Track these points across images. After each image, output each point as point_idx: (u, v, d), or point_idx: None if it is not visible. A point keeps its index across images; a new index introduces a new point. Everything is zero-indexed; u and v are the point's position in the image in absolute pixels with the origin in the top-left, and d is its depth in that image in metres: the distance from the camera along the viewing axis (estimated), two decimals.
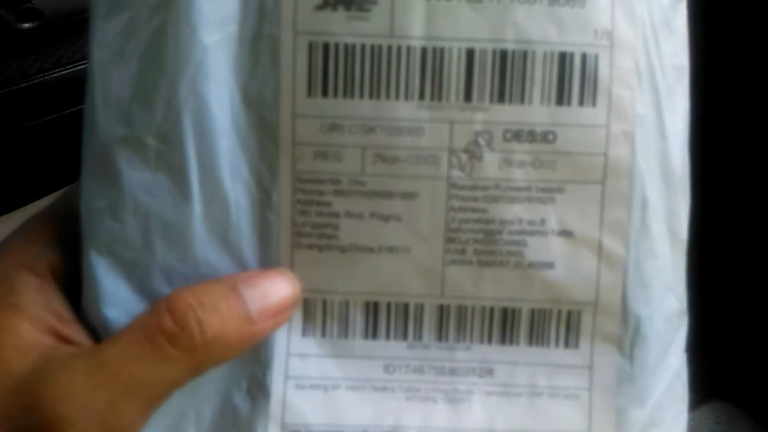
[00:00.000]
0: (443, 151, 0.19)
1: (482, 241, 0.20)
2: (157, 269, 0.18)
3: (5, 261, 0.18)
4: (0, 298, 0.17)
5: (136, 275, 0.18)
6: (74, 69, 0.40)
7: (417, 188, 0.19)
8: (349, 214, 0.19)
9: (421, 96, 0.19)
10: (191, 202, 0.18)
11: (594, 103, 0.19)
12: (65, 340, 0.18)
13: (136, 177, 0.18)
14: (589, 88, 0.19)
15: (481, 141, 0.19)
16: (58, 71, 0.40)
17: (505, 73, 0.19)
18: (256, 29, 0.18)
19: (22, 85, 0.39)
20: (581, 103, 0.19)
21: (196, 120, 0.18)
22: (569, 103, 0.19)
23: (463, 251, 0.20)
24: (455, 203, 0.20)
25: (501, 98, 0.19)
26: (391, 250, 0.20)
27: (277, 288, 0.19)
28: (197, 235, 0.18)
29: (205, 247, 0.19)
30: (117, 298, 0.18)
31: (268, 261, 0.19)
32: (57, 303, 0.18)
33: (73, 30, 0.40)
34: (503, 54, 0.19)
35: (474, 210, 0.20)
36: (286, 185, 0.19)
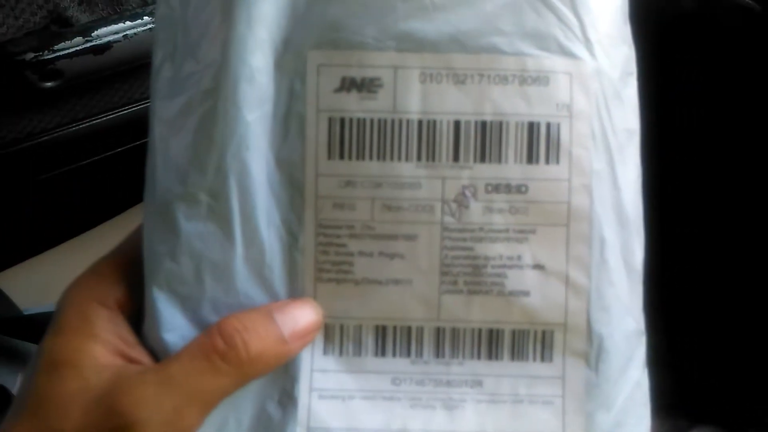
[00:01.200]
0: (437, 201, 0.24)
1: (471, 274, 0.24)
2: (207, 301, 0.23)
3: (80, 295, 0.22)
4: (77, 327, 0.21)
5: (190, 306, 0.23)
6: (89, 124, 0.43)
7: (416, 231, 0.24)
8: (361, 253, 0.24)
9: (419, 158, 0.23)
10: (234, 246, 0.23)
11: (558, 161, 0.24)
12: (132, 360, 0.22)
13: (191, 227, 0.22)
14: (553, 149, 0.24)
15: (468, 193, 0.24)
16: (75, 126, 0.43)
17: (486, 138, 0.23)
18: (287, 108, 0.23)
19: (43, 138, 0.42)
20: (547, 161, 0.24)
21: (239, 180, 0.22)
22: (537, 161, 0.24)
23: (455, 282, 0.24)
24: (448, 243, 0.24)
25: (482, 158, 0.24)
26: (397, 282, 0.24)
27: (304, 314, 0.23)
28: (239, 273, 0.23)
29: (245, 282, 0.23)
30: (174, 325, 0.22)
31: (295, 293, 0.24)
32: (124, 331, 0.22)
33: (89, 88, 0.43)
34: (483, 124, 0.23)
35: (463, 248, 0.24)
36: (311, 231, 0.24)
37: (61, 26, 0.40)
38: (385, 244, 0.23)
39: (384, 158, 0.23)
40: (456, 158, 0.23)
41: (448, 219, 0.24)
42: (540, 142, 0.23)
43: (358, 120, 0.23)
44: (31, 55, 0.39)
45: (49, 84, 0.40)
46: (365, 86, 0.23)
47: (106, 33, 0.40)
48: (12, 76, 0.39)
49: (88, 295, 0.22)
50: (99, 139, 0.44)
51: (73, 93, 0.42)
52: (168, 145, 0.22)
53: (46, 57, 0.39)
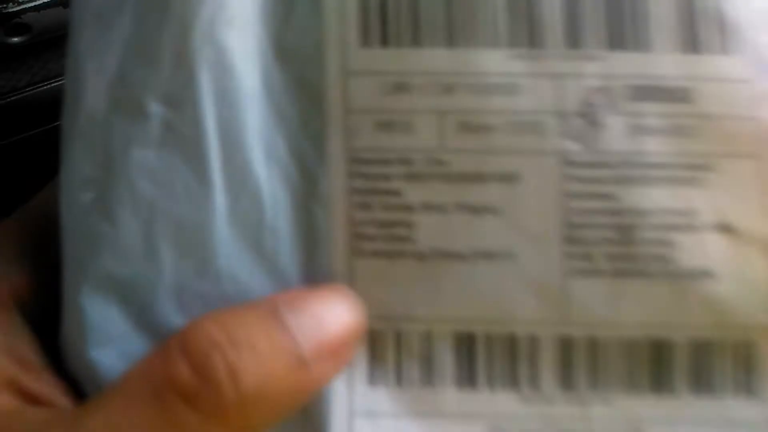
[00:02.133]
0: (550, 115, 0.14)
1: (615, 242, 0.14)
2: (166, 289, 0.13)
3: None
4: None
5: (136, 299, 0.13)
6: (63, 82, 0.40)
7: (519, 167, 0.14)
8: (427, 207, 0.14)
9: (513, 41, 0.14)
10: (211, 192, 0.13)
11: (729, 51, 0.14)
12: (31, 398, 0.12)
13: (135, 157, 0.13)
14: (721, 32, 0.14)
15: (600, 100, 0.14)
16: (48, 84, 0.38)
17: (621, 7, 0.14)
18: None
19: (12, 98, 0.39)
20: (715, 50, 0.14)
21: (216, 77, 0.13)
22: (698, 49, 0.14)
23: (589, 256, 0.14)
24: (574, 187, 0.14)
25: (618, 43, 0.14)
26: (489, 256, 0.14)
27: (334, 313, 0.13)
28: (220, 239, 0.13)
29: (232, 256, 0.13)
30: (109, 333, 0.12)
31: (317, 274, 0.14)
32: (21, 344, 0.12)
33: (62, 43, 0.40)
34: None
35: (600, 197, 0.14)
36: (340, 168, 0.14)
37: None
38: (467, 189, 0.14)
39: (456, 43, 0.14)
40: (574, 42, 0.14)
41: (571, 145, 0.14)
42: (700, 19, 0.13)
43: None
44: None
45: (15, 39, 0.36)
46: None
47: None
48: None
49: None
50: None
51: (43, 49, 0.37)
52: (95, 35, 0.13)
53: (10, 10, 0.35)
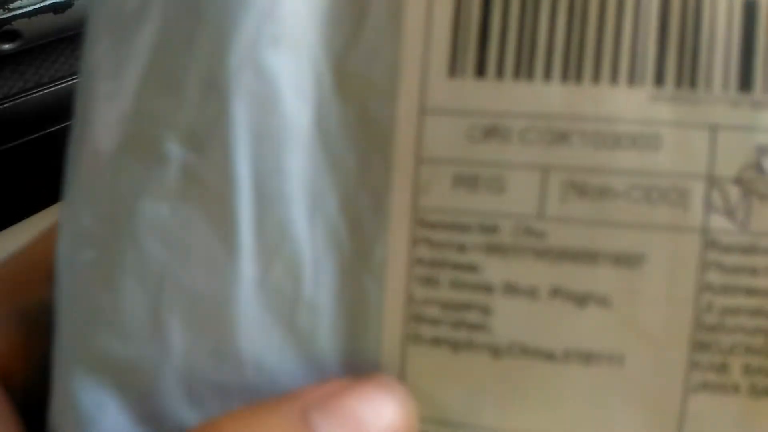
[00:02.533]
0: (697, 180, 0.10)
1: (761, 351, 0.10)
2: (173, 375, 0.10)
3: None
4: None
5: (137, 386, 0.10)
6: (56, 87, 0.39)
7: (644, 247, 0.10)
8: (512, 289, 0.11)
9: (659, 79, 0.10)
10: (238, 258, 0.10)
11: None
12: None
13: (146, 211, 0.10)
14: None
15: None
16: (40, 91, 0.40)
17: None
18: None
19: (5, 105, 0.38)
20: None
21: (256, 112, 0.10)
22: None
23: (724, 368, 0.10)
24: (715, 277, 0.10)
25: None
26: (588, 358, 0.11)
27: (378, 416, 0.10)
28: (245, 316, 0.10)
29: (258, 338, 0.10)
30: (102, 426, 0.10)
31: (361, 363, 0.11)
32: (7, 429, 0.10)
33: (53, 49, 0.39)
34: None
35: (749, 292, 0.10)
36: (402, 231, 0.11)
37: None
38: (569, 271, 0.10)
39: (579, 77, 0.10)
40: (746, 84, 0.10)
41: (719, 222, 0.10)
42: None
43: None
44: None
45: (6, 46, 0.37)
46: None
47: None
48: None
49: None
50: (67, 105, 0.38)
51: (35, 56, 0.38)
52: (112, 49, 0.10)
53: (1, 17, 0.36)
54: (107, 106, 0.10)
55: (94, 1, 0.11)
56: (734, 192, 0.10)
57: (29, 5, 0.37)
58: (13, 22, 0.36)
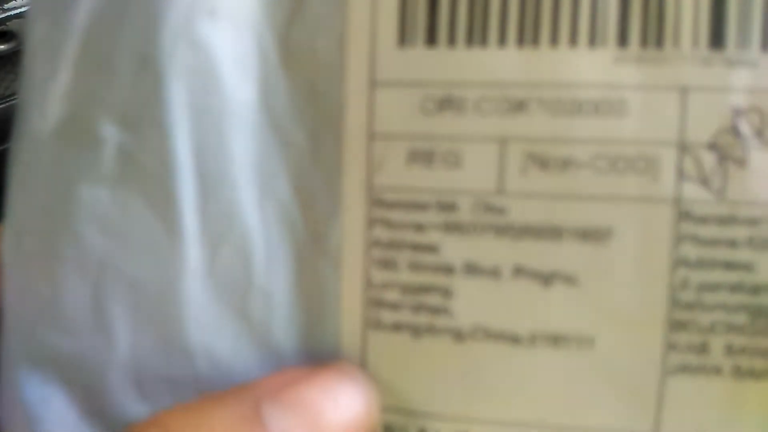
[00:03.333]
0: (667, 147, 0.09)
1: (744, 330, 0.10)
2: (121, 369, 0.10)
3: None
4: None
5: (83, 381, 0.10)
6: None
7: (612, 220, 0.10)
8: (473, 270, 0.10)
9: (623, 39, 0.09)
10: (183, 244, 0.10)
11: None
12: None
13: (83, 198, 0.10)
14: None
15: (745, 127, 0.09)
16: None
17: None
18: None
19: (1, 105, 0.39)
20: None
21: (194, 88, 0.09)
22: None
23: (704, 348, 0.10)
24: (690, 251, 0.10)
25: None
26: (556, 340, 0.10)
27: (336, 407, 0.10)
28: (193, 306, 0.10)
29: (208, 328, 0.10)
30: (50, 421, 0.10)
31: (320, 351, 0.10)
32: None
33: None
34: None
35: (728, 266, 0.10)
36: (357, 213, 0.10)
37: None
38: (533, 249, 0.10)
39: (535, 40, 0.09)
40: (717, 40, 0.09)
41: (693, 191, 0.09)
42: None
43: None
44: None
45: (1, 47, 0.36)
46: None
47: None
48: None
49: None
50: None
51: None
52: (50, 28, 0.10)
53: None
54: (44, 89, 0.10)
55: None
56: (709, 158, 0.10)
57: (24, 5, 0.38)
58: (7, 23, 0.37)
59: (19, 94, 0.10)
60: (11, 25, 0.37)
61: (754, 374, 0.10)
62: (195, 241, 0.10)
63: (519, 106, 0.10)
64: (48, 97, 0.10)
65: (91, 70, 0.10)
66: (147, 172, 0.10)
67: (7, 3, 0.37)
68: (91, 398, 0.10)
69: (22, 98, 0.10)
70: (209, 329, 0.10)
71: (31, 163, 0.10)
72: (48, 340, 0.10)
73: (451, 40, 0.10)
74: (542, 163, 0.10)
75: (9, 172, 0.10)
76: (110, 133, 0.10)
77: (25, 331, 0.10)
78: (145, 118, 0.10)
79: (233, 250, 0.10)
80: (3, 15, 0.36)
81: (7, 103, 0.38)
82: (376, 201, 0.10)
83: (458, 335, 0.10)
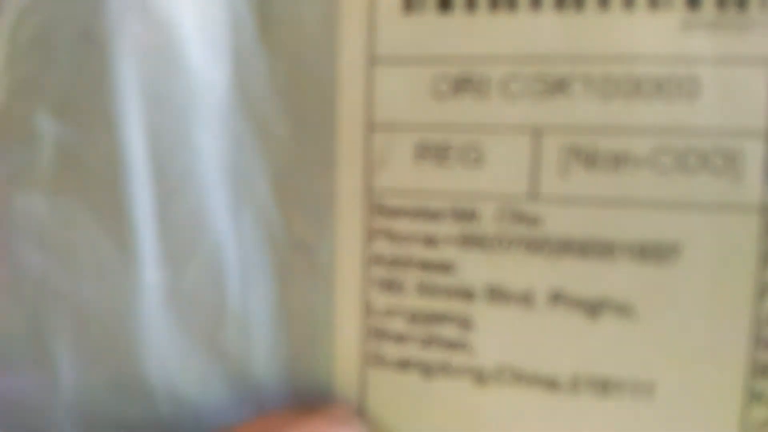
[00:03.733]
0: (752, 138, 0.07)
1: None
2: (66, 412, 0.08)
3: None
4: None
5: (24, 422, 0.08)
6: None
7: (679, 234, 0.07)
8: (498, 295, 0.08)
9: (693, 0, 0.07)
10: (137, 263, 0.08)
11: None
12: None
13: (19, 206, 0.08)
14: None
15: None
16: None
17: None
18: None
19: None
20: None
21: (148, 68, 0.08)
22: None
23: None
24: None
25: None
26: (605, 387, 0.08)
27: None
28: (152, 336, 0.08)
29: (172, 362, 0.08)
30: None
31: (309, 391, 0.08)
32: None
33: None
34: None
35: None
36: (353, 222, 0.08)
37: None
38: (575, 269, 0.07)
39: (573, 3, 0.07)
40: None
41: None
42: None
43: None
44: None
45: None
46: None
47: None
48: None
49: None
50: None
51: None
52: None
53: None
54: None
55: None
56: None
57: None
58: None
59: None
60: None
61: None
62: (153, 259, 0.08)
63: (558, 86, 0.08)
64: None
65: (23, 50, 0.08)
66: (93, 175, 0.08)
67: None
68: None
69: None
70: (173, 365, 0.08)
71: None
72: None
73: (470, 4, 0.08)
74: (588, 159, 0.08)
75: None
76: (47, 127, 0.08)
77: None
78: (89, 107, 0.08)
79: (201, 268, 0.08)
80: None
81: None
82: (377, 207, 0.08)
83: (480, 377, 0.08)
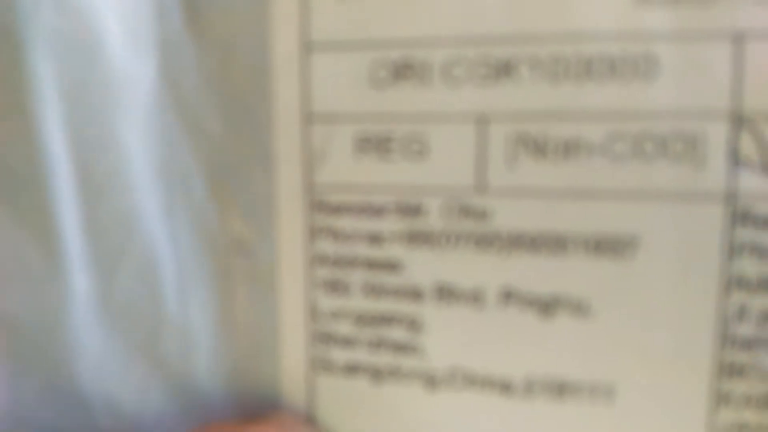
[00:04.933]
0: (715, 120, 0.06)
1: None
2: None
3: None
4: None
5: None
6: None
7: (636, 226, 0.07)
8: (447, 294, 0.07)
9: None
10: (63, 268, 0.07)
11: None
12: None
13: None
14: None
15: None
16: None
17: None
18: None
19: None
20: None
21: (67, 61, 0.07)
22: None
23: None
24: (748, 268, 0.07)
25: None
26: (561, 390, 0.07)
27: None
28: (84, 345, 0.08)
29: (107, 371, 0.08)
30: None
31: (254, 398, 0.08)
32: None
33: None
34: None
35: None
36: (294, 220, 0.08)
37: None
38: (527, 265, 0.07)
39: None
40: None
41: (753, 182, 0.06)
42: None
43: None
44: None
45: None
46: None
47: None
48: None
49: None
50: None
51: None
52: None
53: None
54: None
55: None
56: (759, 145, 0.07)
57: None
58: None
59: None
60: None
61: None
62: (82, 264, 0.07)
63: (504, 70, 0.07)
64: None
65: None
66: (13, 176, 0.07)
67: None
68: None
69: None
70: (109, 375, 0.08)
71: None
72: None
73: None
74: (537, 147, 0.07)
75: None
76: None
77: None
78: (4, 103, 0.07)
79: (134, 273, 0.08)
80: None
81: None
82: (317, 204, 0.08)
83: (431, 381, 0.08)
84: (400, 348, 0.08)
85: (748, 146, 0.07)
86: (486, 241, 0.07)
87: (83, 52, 0.07)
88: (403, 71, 0.07)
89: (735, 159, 0.07)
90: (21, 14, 0.07)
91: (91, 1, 0.07)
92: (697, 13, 0.07)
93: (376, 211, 0.08)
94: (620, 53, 0.07)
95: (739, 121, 0.07)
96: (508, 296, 0.07)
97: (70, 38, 0.07)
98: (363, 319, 0.08)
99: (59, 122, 0.08)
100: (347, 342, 0.08)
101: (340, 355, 0.08)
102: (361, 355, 0.08)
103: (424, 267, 0.08)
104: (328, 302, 0.08)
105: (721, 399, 0.07)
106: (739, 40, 0.07)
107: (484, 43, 0.07)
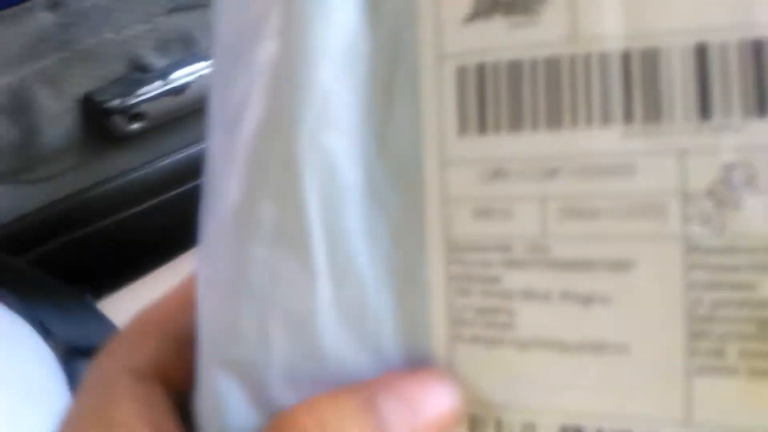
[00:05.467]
0: (672, 197, 0.12)
1: (754, 338, 0.12)
2: (277, 371, 0.14)
3: (108, 363, 0.15)
4: (97, 408, 0.15)
5: (253, 381, 0.14)
6: (174, 158, 0.47)
7: (633, 254, 0.13)
8: (528, 295, 0.13)
9: (628, 118, 0.12)
10: (317, 283, 0.14)
11: None
12: None
13: (253, 254, 0.14)
14: None
15: (737, 178, 0.12)
16: (159, 161, 0.48)
17: (764, 71, 0.12)
18: (390, 65, 0.14)
19: (134, 175, 0.47)
20: None
21: (321, 178, 0.14)
22: None
23: (721, 353, 0.12)
24: (700, 276, 0.12)
25: (763, 109, 0.12)
26: (598, 348, 0.13)
27: (432, 399, 0.13)
28: (325, 325, 0.14)
29: (337, 341, 0.14)
30: (233, 410, 0.14)
31: (418, 358, 0.14)
32: (161, 416, 0.15)
33: (169, 127, 0.48)
34: (757, 46, 0.12)
35: (734, 287, 0.12)
36: (438, 256, 0.14)
37: (142, 72, 0.45)
38: (573, 277, 0.13)
39: (560, 125, 0.13)
40: (705, 113, 0.12)
41: (698, 230, 0.12)
42: None
43: (510, 63, 0.13)
44: (117, 101, 0.44)
45: (134, 126, 0.44)
46: (518, 2, 0.13)
47: (181, 75, 0.44)
48: (101, 122, 0.44)
49: (118, 364, 0.15)
50: (181, 172, 0.47)
51: (155, 133, 0.46)
52: (225, 137, 0.15)
53: (130, 102, 0.44)
54: (226, 183, 0.15)
55: (210, 98, 0.15)
56: (707, 204, 0.13)
57: (153, 90, 0.45)
58: (140, 106, 0.44)
59: (206, 180, 0.15)
60: (143, 108, 0.44)
61: (767, 374, 0.12)
62: (325, 280, 0.14)
63: (552, 173, 0.13)
64: (229, 187, 0.15)
65: (252, 168, 0.14)
66: (292, 235, 0.14)
67: (139, 89, 0.44)
68: (257, 391, 0.14)
69: (209, 185, 0.15)
70: (337, 342, 0.14)
71: (218, 234, 0.15)
72: (229, 351, 0.14)
73: (497, 129, 0.13)
74: (574, 213, 0.13)
75: (200, 234, 0.15)
76: (268, 211, 0.14)
77: (213, 345, 0.15)
78: (290, 199, 0.14)
79: (353, 285, 0.14)
80: (136, 100, 0.44)
81: (140, 172, 0.45)
82: (452, 246, 0.14)
83: (521, 345, 0.14)
84: (502, 326, 0.14)
85: (692, 211, 0.13)
86: (549, 264, 0.13)
87: (328, 173, 0.14)
88: (497, 174, 0.14)
89: (686, 218, 0.13)
90: (300, 155, 0.14)
91: (333, 148, 0.14)
92: (657, 140, 0.13)
93: (486, 249, 0.14)
94: (615, 163, 0.13)
95: (685, 196, 0.13)
96: (564, 295, 0.13)
97: (323, 167, 0.14)
98: (480, 311, 0.14)
99: (316, 207, 0.14)
100: (471, 324, 0.14)
101: (467, 332, 0.14)
102: (479, 332, 0.14)
103: (514, 280, 0.14)
104: (459, 301, 0.14)
105: (692, 352, 0.13)
106: (682, 154, 0.13)
107: (541, 159, 0.13)
